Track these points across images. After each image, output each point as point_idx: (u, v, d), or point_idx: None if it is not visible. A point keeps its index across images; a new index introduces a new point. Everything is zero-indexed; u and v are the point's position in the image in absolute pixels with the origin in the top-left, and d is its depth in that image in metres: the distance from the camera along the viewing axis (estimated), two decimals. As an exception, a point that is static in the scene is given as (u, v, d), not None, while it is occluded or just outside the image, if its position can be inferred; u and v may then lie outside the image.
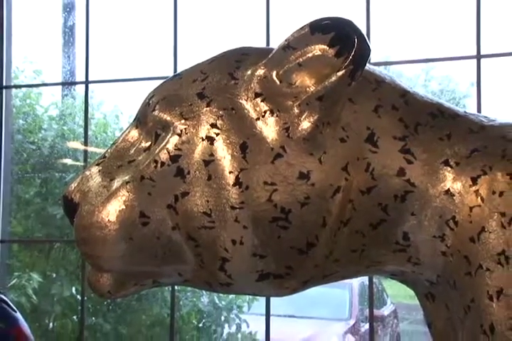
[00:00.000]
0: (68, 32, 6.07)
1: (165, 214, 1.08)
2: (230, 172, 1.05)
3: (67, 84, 6.24)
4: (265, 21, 2.81)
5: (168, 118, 1.11)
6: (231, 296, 5.44)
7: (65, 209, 1.19)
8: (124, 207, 1.10)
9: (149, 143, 1.14)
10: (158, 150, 1.10)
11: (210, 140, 1.07)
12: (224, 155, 1.06)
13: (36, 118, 5.98)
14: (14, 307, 2.25)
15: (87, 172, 1.19)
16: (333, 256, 1.09)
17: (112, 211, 1.10)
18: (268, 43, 2.71)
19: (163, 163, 1.09)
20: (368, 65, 1.10)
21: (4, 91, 3.22)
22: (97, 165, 1.19)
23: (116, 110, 6.30)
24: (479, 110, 2.71)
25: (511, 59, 2.88)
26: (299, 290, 1.14)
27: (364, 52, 1.04)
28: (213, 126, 1.08)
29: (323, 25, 1.06)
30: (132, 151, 1.17)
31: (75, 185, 1.18)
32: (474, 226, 1.03)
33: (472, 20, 2.67)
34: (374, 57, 2.81)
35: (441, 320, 1.13)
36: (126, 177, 1.12)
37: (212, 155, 1.06)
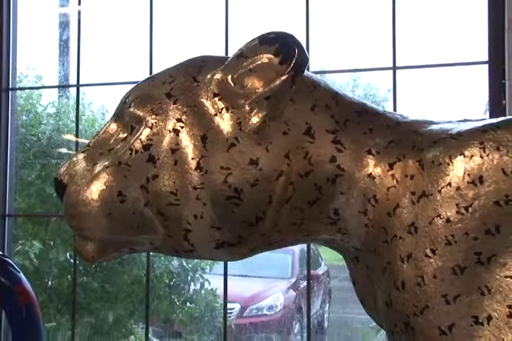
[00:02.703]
0: (63, 44, 5.99)
1: (138, 193, 1.06)
2: (193, 159, 1.03)
3: (62, 86, 6.14)
4: (224, 34, 2.82)
5: (141, 113, 1.08)
6: (196, 260, 5.43)
7: (56, 189, 1.17)
8: (104, 187, 1.07)
9: (126, 134, 1.12)
10: (133, 140, 1.07)
11: (176, 132, 1.05)
12: (187, 144, 1.04)
13: (37, 114, 5.90)
14: (18, 269, 2.22)
15: (74, 159, 1.16)
16: (277, 228, 1.08)
17: (94, 190, 1.08)
18: (226, 53, 2.69)
19: (137, 151, 1.06)
20: (306, 71, 1.09)
21: (10, 92, 3.17)
22: (83, 152, 1.16)
23: (103, 109, 6.23)
24: (395, 110, 2.72)
25: (421, 70, 2.91)
26: (249, 255, 1.13)
27: (303, 60, 1.03)
28: (179, 120, 1.06)
29: (269, 38, 1.05)
30: (112, 141, 1.14)
31: (64, 169, 1.15)
32: (391, 203, 1.03)
33: (389, 37, 2.69)
34: (312, 67, 2.80)
35: (363, 279, 1.13)
36: (107, 163, 1.09)
37: (177, 144, 1.04)
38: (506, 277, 0.93)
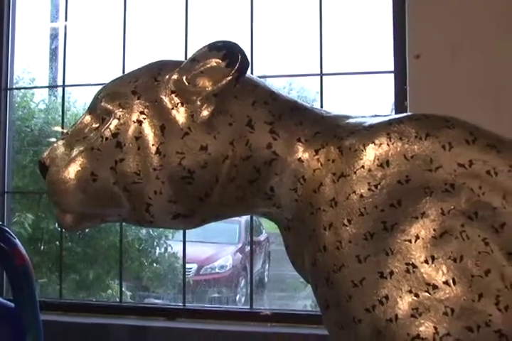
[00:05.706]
0: (52, 52, 5.84)
1: (108, 173, 1.02)
2: (153, 145, 1.00)
3: (51, 87, 5.98)
4: (184, 43, 2.79)
5: (111, 107, 1.04)
6: (160, 229, 5.39)
7: (40, 170, 1.12)
8: (79, 168, 1.03)
9: (98, 124, 1.08)
10: (103, 129, 1.04)
11: (140, 122, 1.02)
12: (149, 133, 1.01)
13: (30, 110, 5.75)
14: (14, 236, 2.16)
15: (55, 145, 1.11)
16: (223, 203, 1.05)
17: (71, 171, 1.03)
18: (186, 57, 2.66)
19: (107, 138, 1.03)
20: (248, 74, 1.07)
21: (9, 91, 3.11)
22: (62, 139, 1.12)
23: (85, 105, 6.09)
24: (321, 107, 2.72)
25: (342, 76, 2.93)
26: (200, 225, 1.10)
27: (245, 64, 1.01)
28: (142, 113, 1.02)
29: (217, 45, 1.02)
30: (86, 130, 1.09)
31: (47, 153, 1.11)
32: (316, 182, 1.02)
33: (317, 49, 2.70)
34: (255, 72, 2.78)
35: (294, 244, 1.11)
36: (82, 148, 1.05)
37: (140, 133, 1.01)
38: (405, 241, 0.93)
